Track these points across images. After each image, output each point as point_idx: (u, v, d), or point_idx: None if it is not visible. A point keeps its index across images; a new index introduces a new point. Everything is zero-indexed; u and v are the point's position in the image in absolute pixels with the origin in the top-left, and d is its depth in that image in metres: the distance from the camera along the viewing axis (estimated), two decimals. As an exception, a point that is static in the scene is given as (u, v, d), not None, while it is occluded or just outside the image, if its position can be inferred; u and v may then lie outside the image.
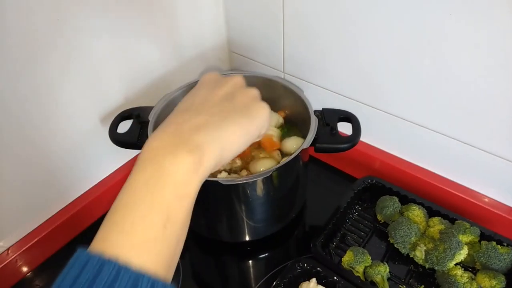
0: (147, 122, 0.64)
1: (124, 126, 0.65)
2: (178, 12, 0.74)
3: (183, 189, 0.30)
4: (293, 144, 0.67)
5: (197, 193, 0.31)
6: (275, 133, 0.69)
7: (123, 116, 0.67)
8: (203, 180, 0.32)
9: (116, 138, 0.64)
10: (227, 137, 0.33)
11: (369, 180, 0.73)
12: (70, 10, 0.58)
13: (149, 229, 0.27)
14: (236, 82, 0.39)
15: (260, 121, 0.37)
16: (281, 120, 0.73)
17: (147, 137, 0.61)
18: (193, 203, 0.31)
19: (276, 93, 0.73)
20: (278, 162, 0.64)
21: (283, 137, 0.70)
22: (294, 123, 0.72)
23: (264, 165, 0.64)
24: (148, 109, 0.66)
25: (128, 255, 0.26)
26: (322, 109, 0.65)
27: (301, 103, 0.67)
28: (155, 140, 0.32)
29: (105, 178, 0.77)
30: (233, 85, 0.38)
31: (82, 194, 0.74)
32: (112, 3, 0.63)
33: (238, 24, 0.83)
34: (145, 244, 0.27)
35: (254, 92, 0.39)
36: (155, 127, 0.63)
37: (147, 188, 0.29)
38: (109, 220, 0.28)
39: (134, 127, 0.65)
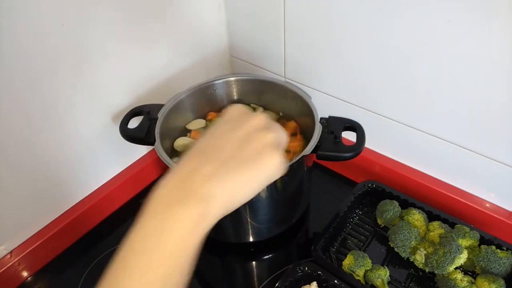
0: (157, 119, 0.66)
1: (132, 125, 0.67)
2: (181, 18, 0.75)
3: (190, 239, 0.32)
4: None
5: (202, 240, 0.33)
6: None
7: (134, 112, 0.68)
8: (209, 228, 0.33)
9: (126, 133, 0.66)
10: (236, 188, 0.34)
11: (370, 185, 0.74)
12: (81, 16, 0.59)
13: (157, 276, 0.30)
14: (258, 123, 0.37)
15: (271, 171, 0.35)
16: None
17: (154, 134, 0.63)
18: (197, 249, 0.33)
19: (284, 99, 0.73)
20: None
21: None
22: (306, 135, 0.71)
23: None
24: (159, 107, 0.68)
25: None
26: (329, 116, 0.65)
27: (308, 110, 0.67)
28: (165, 187, 0.33)
29: (106, 183, 0.77)
30: (253, 126, 0.36)
31: (84, 199, 0.75)
32: (124, 13, 0.65)
33: (239, 30, 0.84)
34: None
35: (271, 137, 0.36)
36: (163, 124, 0.65)
37: (157, 237, 0.31)
38: (121, 264, 0.31)
39: (143, 123, 0.66)
